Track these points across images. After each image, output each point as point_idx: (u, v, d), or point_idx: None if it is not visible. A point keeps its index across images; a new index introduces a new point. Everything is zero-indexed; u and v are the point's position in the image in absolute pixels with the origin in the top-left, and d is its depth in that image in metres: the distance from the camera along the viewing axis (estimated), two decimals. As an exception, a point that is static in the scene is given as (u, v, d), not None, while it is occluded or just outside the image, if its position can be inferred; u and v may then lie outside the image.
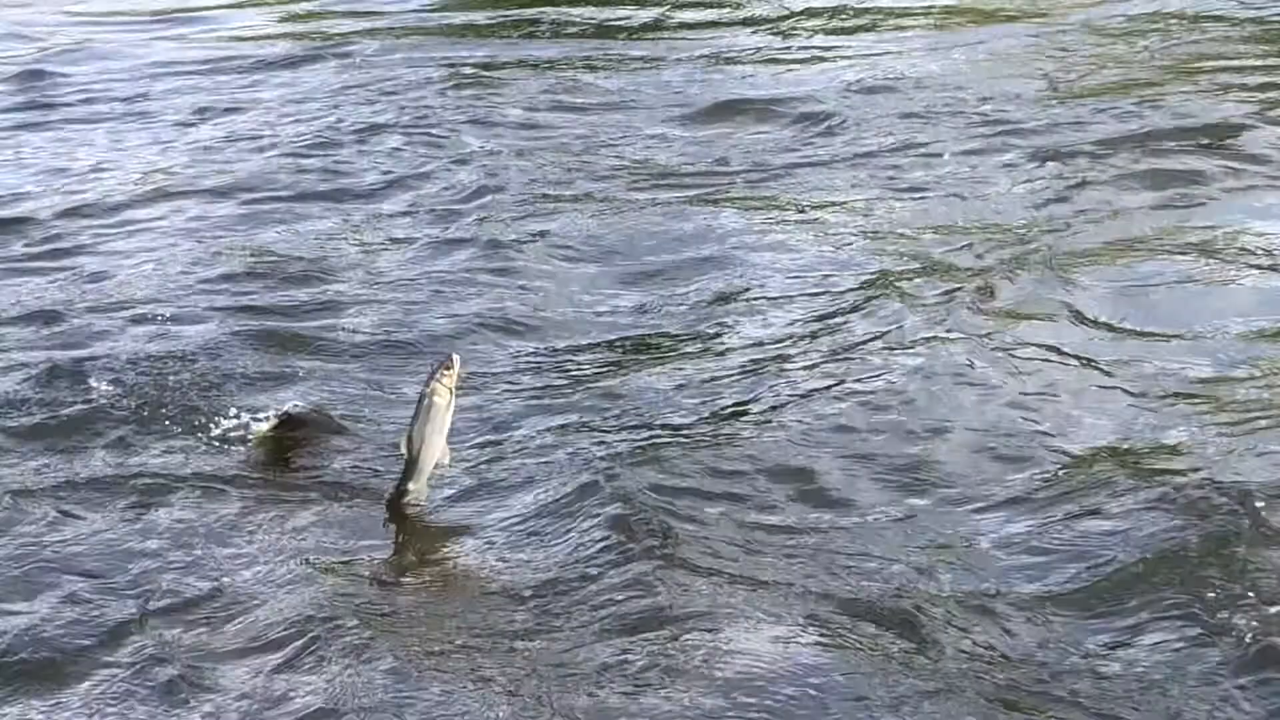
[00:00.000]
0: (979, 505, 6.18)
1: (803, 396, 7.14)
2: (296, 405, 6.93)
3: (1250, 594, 5.36)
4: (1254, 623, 5.21)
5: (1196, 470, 6.26)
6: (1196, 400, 6.99)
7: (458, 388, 6.13)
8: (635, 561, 5.68)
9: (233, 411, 6.93)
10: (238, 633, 5.40)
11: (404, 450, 6.11)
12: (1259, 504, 5.84)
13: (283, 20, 15.43)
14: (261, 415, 6.81)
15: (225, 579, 5.72)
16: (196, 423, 6.89)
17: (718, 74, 12.94)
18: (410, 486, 6.16)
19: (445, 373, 6.04)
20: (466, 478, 6.44)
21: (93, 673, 5.23)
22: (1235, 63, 12.39)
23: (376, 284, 8.65)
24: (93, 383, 7.23)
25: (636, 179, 10.30)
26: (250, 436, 6.75)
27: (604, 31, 14.67)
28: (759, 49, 13.76)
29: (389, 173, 10.58)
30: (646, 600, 5.45)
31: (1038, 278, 8.36)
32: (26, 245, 9.39)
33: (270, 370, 7.51)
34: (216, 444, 6.73)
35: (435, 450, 6.09)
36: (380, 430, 6.87)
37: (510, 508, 6.22)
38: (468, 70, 13.15)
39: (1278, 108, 11.10)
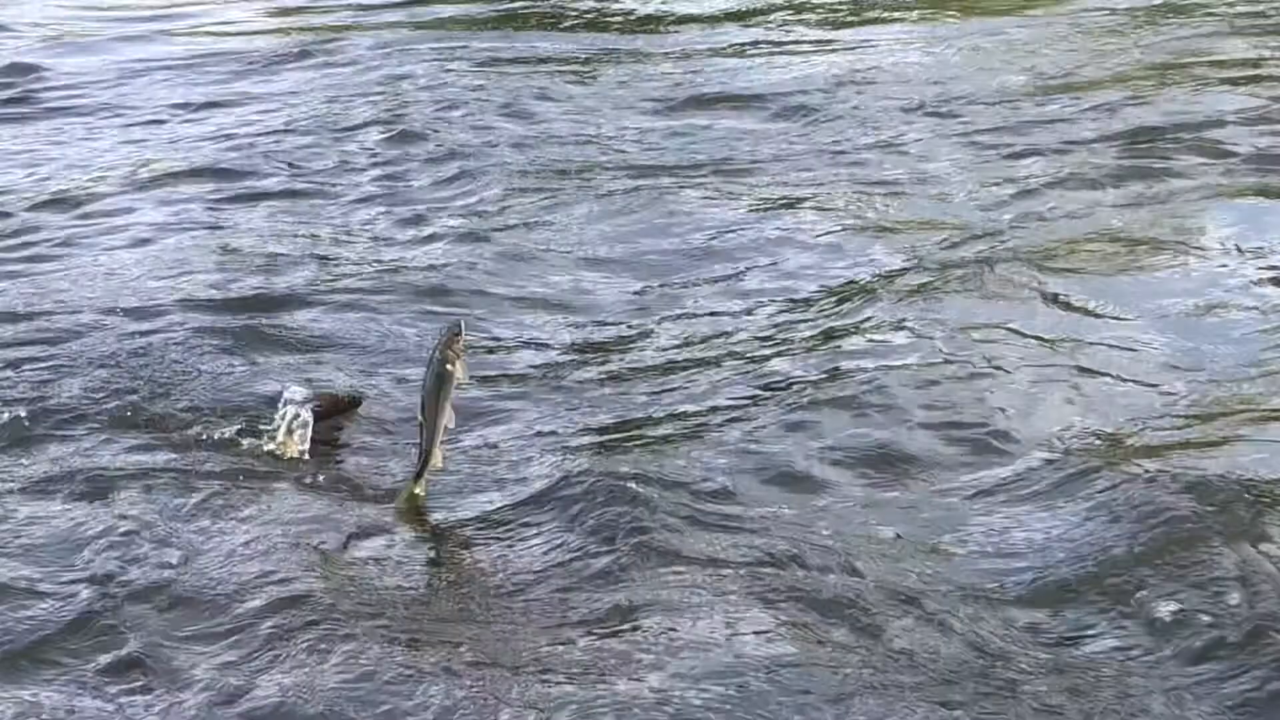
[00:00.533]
0: (954, 498, 6.17)
1: (777, 387, 7.12)
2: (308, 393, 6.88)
3: (1214, 588, 5.35)
4: (1215, 616, 5.21)
5: (1167, 464, 6.22)
6: (1166, 392, 6.99)
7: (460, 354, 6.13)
8: (604, 555, 5.67)
9: (215, 406, 6.93)
10: (224, 622, 5.39)
11: (420, 419, 6.12)
12: (1224, 498, 5.85)
13: (271, 15, 15.38)
14: (283, 414, 6.71)
15: (232, 567, 5.71)
16: (188, 416, 6.86)
17: (707, 66, 12.93)
18: (431, 453, 6.15)
19: (454, 340, 6.05)
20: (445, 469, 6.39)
21: (59, 664, 5.20)
22: (1223, 57, 12.38)
23: (359, 277, 8.60)
24: (71, 376, 7.20)
25: (625, 172, 10.27)
26: (294, 430, 6.67)
27: (596, 25, 14.63)
28: (747, 43, 13.76)
29: (373, 166, 10.53)
30: (617, 594, 5.44)
31: (1018, 271, 8.34)
32: (-3, 239, 9.38)
33: (251, 362, 7.47)
34: (204, 437, 6.69)
35: (445, 416, 6.10)
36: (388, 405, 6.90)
37: (486, 500, 6.21)
38: (459, 63, 13.13)
39: (1261, 101, 11.10)
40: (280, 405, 6.74)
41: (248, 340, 7.69)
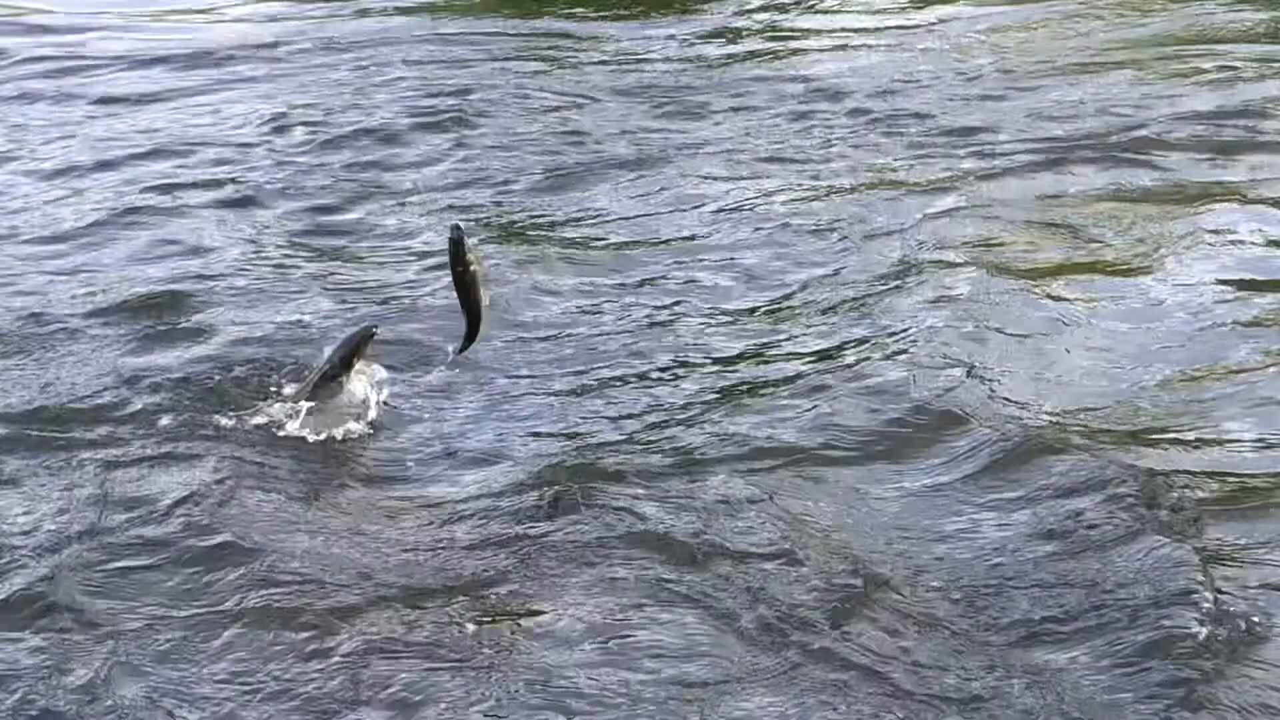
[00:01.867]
0: (894, 487, 6.18)
1: (725, 376, 7.13)
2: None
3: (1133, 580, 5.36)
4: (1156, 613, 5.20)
5: (1106, 454, 6.25)
6: (1107, 383, 7.02)
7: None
8: (530, 543, 5.69)
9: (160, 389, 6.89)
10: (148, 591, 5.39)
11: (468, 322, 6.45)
12: (1154, 488, 5.89)
13: (243, 2, 15.34)
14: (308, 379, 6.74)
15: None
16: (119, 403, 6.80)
17: (693, 56, 12.96)
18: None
19: (460, 246, 6.25)
20: (411, 457, 6.45)
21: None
22: (1208, 50, 12.42)
23: (327, 273, 8.54)
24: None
25: (613, 163, 10.26)
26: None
27: (574, 16, 14.65)
28: (725, 32, 13.81)
29: (341, 163, 10.41)
30: (536, 584, 5.45)
31: (969, 261, 8.38)
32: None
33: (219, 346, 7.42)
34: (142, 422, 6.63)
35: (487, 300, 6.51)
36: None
37: (421, 486, 6.22)
38: (427, 49, 13.16)
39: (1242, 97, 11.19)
40: (307, 369, 6.82)
41: (200, 323, 7.66)
